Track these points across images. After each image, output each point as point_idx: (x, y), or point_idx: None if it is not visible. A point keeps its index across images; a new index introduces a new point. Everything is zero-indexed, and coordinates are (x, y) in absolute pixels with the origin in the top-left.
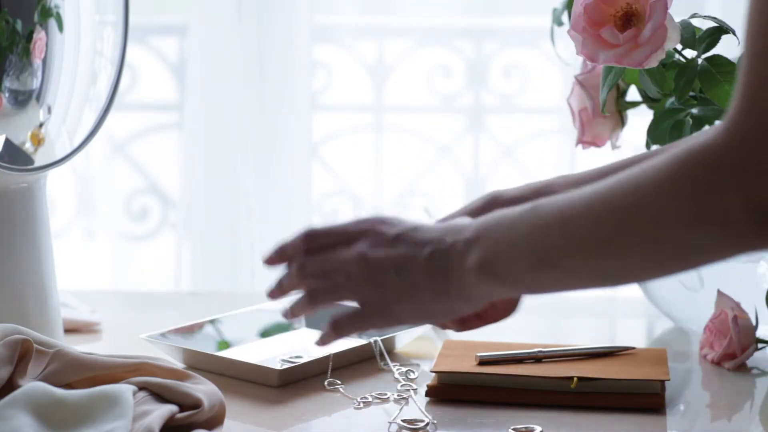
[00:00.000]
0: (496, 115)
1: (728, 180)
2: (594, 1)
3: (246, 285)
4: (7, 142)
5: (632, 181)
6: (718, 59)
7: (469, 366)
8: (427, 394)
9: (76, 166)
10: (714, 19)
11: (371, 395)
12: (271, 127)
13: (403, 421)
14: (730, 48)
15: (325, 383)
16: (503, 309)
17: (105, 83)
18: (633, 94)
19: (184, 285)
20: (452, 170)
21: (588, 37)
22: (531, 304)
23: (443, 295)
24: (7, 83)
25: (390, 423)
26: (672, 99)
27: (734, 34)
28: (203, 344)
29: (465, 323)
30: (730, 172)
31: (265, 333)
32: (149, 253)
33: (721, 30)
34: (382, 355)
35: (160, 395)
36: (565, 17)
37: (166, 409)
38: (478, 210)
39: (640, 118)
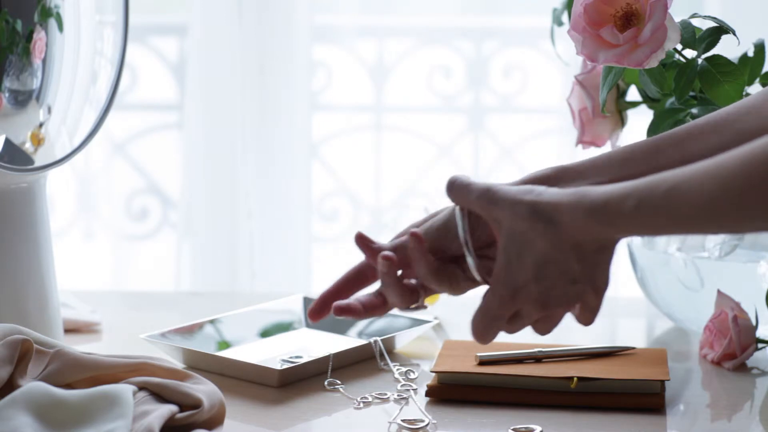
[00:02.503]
0: (495, 115)
1: None
2: (594, 1)
3: (246, 285)
4: (7, 142)
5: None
6: (718, 59)
7: (469, 366)
8: (427, 394)
9: (76, 166)
10: (714, 19)
11: (371, 395)
12: (271, 127)
13: (403, 421)
14: (730, 48)
15: (325, 383)
16: None
17: (105, 83)
18: (633, 94)
19: (184, 285)
20: (452, 170)
21: (588, 37)
22: None
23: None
24: (7, 83)
25: (390, 423)
26: (672, 99)
27: (734, 34)
28: (203, 344)
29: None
30: None
31: (265, 333)
32: (149, 253)
33: (721, 30)
34: (382, 355)
35: (160, 395)
36: (565, 17)
37: (166, 409)
38: (542, 180)
39: (640, 118)
